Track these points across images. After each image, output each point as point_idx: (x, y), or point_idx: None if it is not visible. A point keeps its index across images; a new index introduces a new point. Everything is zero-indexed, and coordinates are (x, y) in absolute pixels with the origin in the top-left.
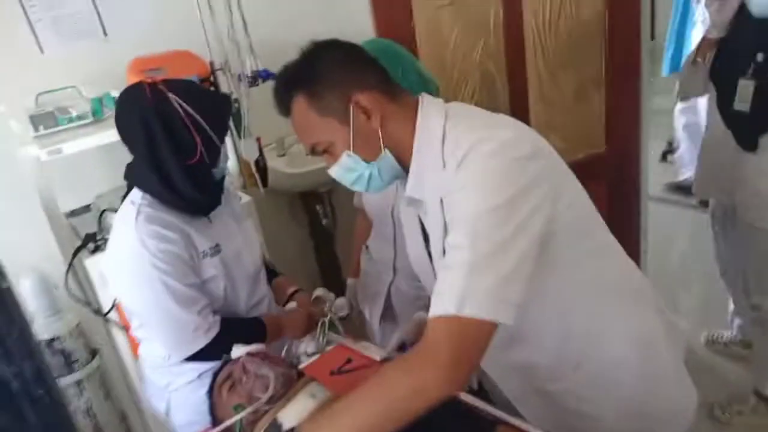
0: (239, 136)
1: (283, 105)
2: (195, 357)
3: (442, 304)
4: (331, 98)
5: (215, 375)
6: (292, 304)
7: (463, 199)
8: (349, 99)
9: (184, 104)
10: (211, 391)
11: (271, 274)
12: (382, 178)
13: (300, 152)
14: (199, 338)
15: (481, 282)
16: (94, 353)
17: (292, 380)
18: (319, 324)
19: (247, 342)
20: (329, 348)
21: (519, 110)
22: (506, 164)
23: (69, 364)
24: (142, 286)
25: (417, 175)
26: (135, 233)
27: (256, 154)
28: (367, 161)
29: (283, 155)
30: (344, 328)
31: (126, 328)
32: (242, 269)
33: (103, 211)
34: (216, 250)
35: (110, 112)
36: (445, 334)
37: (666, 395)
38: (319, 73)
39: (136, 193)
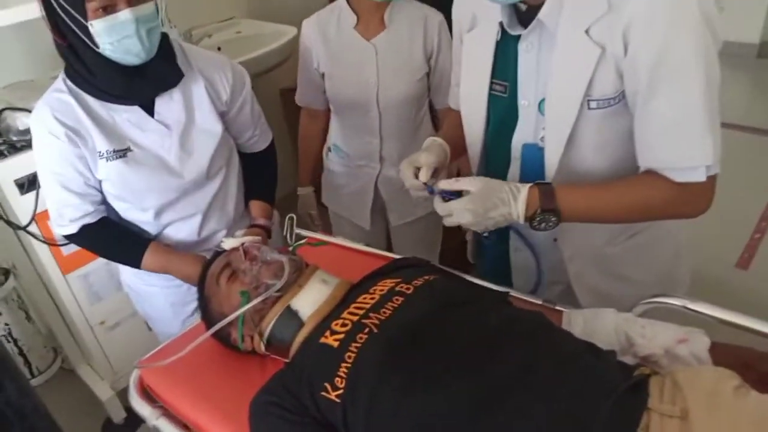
0: None
1: None
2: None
3: (702, 155)
4: None
5: (206, 266)
6: (229, 241)
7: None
8: None
9: None
10: (201, 285)
11: (260, 192)
12: None
13: (211, 46)
14: (56, 226)
15: (715, 129)
16: (6, 273)
17: (301, 267)
18: (286, 220)
19: (116, 257)
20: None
21: None
22: None
23: None
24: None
25: None
26: (36, 117)
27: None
28: None
29: None
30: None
31: (49, 242)
32: (158, 179)
33: (2, 110)
34: (120, 154)
35: None
36: (710, 186)
37: (687, 264)
38: None
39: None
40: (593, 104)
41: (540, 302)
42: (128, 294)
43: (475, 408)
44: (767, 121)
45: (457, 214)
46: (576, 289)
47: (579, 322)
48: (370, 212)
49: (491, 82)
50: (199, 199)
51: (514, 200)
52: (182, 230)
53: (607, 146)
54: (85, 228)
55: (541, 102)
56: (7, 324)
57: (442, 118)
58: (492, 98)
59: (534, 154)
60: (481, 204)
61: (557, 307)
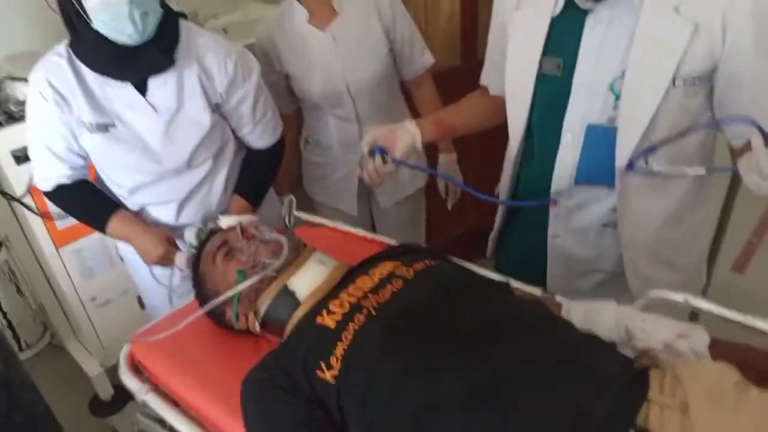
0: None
1: None
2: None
3: None
4: None
5: (201, 245)
6: (226, 219)
7: None
8: None
9: None
10: (196, 263)
11: (245, 188)
12: None
13: (217, 28)
14: (35, 179)
15: None
16: None
17: (299, 247)
18: (286, 202)
19: (85, 219)
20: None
21: None
22: None
23: None
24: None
25: None
26: (32, 75)
27: None
28: None
29: None
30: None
31: (44, 215)
32: (135, 159)
33: (2, 80)
34: (102, 128)
35: None
36: None
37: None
38: None
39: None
40: (679, 82)
41: (539, 293)
42: (122, 258)
43: (475, 396)
44: None
45: None
46: (628, 276)
47: (579, 314)
48: (356, 198)
49: (541, 60)
50: (176, 187)
51: None
52: (158, 213)
53: (683, 126)
54: (59, 187)
55: (615, 80)
56: None
57: (411, 90)
58: (541, 78)
59: (600, 136)
60: None
61: (557, 299)
